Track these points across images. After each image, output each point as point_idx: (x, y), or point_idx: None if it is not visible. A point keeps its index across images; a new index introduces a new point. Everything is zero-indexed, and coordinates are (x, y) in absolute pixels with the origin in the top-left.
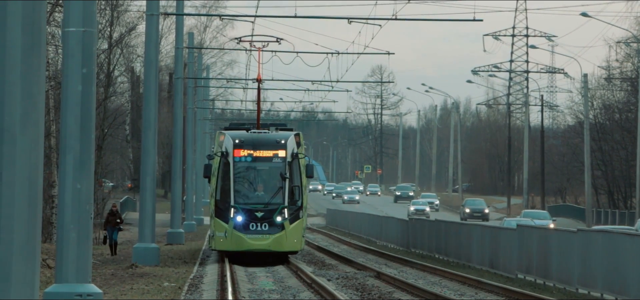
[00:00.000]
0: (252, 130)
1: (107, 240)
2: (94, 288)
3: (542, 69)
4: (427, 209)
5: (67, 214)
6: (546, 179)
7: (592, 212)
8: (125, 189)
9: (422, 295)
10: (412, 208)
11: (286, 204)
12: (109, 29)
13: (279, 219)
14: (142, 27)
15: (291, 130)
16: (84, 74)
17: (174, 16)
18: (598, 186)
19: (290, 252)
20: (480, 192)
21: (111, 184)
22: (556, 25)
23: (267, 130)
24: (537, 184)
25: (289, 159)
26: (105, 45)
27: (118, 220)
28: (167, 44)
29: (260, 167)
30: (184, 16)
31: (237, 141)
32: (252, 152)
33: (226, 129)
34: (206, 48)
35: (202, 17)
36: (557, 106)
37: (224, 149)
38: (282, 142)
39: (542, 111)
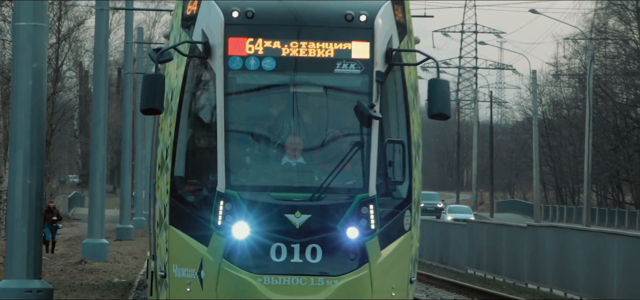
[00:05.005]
0: None
1: (44, 238)
2: (44, 284)
3: (491, 65)
4: (472, 217)
5: (17, 210)
6: (495, 175)
7: (540, 207)
8: (73, 184)
9: None
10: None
11: (372, 191)
12: (57, 24)
13: (354, 232)
14: (90, 22)
15: None
16: (34, 69)
17: (123, 11)
18: (546, 182)
19: None
20: (429, 188)
21: (61, 178)
22: (505, 22)
23: None
24: (486, 180)
25: (379, 67)
26: (53, 40)
27: (55, 218)
28: (116, 39)
29: (301, 89)
30: (134, 11)
31: (236, 15)
32: (278, 43)
33: None
34: (155, 43)
35: (151, 12)
36: (506, 102)
37: (200, 36)
38: (362, 19)
39: (491, 107)
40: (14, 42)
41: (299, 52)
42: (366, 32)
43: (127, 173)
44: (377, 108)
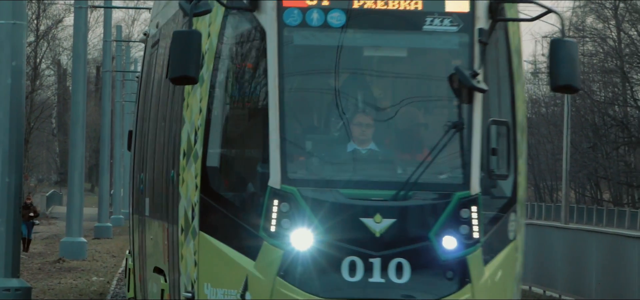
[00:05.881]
0: None
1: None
2: (22, 282)
3: None
4: None
5: None
6: None
7: None
8: (51, 183)
9: None
10: None
11: (475, 188)
12: (35, 22)
13: (452, 242)
14: (68, 20)
15: None
16: (13, 67)
17: (102, 9)
18: None
19: None
20: None
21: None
22: None
23: None
24: None
25: (482, 23)
26: (31, 38)
27: (31, 214)
28: (95, 37)
29: (379, 52)
30: (112, 9)
31: None
32: None
33: None
34: (134, 41)
35: (130, 10)
36: None
37: None
38: None
39: None
40: None
41: (375, 3)
42: None
43: (106, 171)
44: (480, 77)
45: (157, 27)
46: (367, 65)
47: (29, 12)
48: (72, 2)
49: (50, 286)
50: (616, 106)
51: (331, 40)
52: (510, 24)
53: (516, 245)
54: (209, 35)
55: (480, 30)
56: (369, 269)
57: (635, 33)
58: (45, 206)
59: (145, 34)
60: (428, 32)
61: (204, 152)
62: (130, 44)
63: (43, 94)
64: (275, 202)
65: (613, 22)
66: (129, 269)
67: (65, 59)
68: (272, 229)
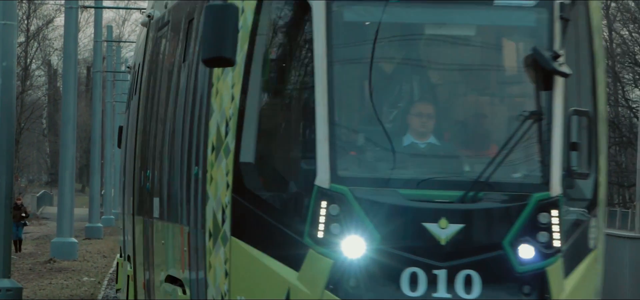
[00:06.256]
0: None
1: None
2: (13, 283)
3: None
4: None
5: None
6: None
7: None
8: (42, 183)
9: None
10: None
11: (555, 189)
12: (26, 22)
13: (529, 252)
14: (59, 20)
15: None
16: (3, 67)
17: (93, 9)
18: None
19: None
20: None
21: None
22: None
23: None
24: None
25: None
26: (22, 38)
27: (23, 215)
28: (85, 37)
29: (442, 31)
30: (103, 9)
31: None
32: None
33: None
34: (125, 41)
35: (120, 10)
36: None
37: None
38: None
39: None
40: None
41: None
42: None
43: (97, 172)
44: (562, 59)
45: (165, 7)
46: (428, 46)
47: (20, 13)
48: (63, 2)
49: (41, 286)
50: (607, 106)
51: (387, 16)
52: (593, 13)
53: (596, 256)
54: (242, 10)
55: (562, 4)
56: (432, 282)
57: (627, 33)
58: (35, 207)
59: (148, 17)
60: (500, 7)
61: (237, 146)
62: (121, 44)
63: (33, 95)
64: (324, 203)
65: (604, 22)
66: (128, 275)
67: (55, 59)
68: (320, 234)
